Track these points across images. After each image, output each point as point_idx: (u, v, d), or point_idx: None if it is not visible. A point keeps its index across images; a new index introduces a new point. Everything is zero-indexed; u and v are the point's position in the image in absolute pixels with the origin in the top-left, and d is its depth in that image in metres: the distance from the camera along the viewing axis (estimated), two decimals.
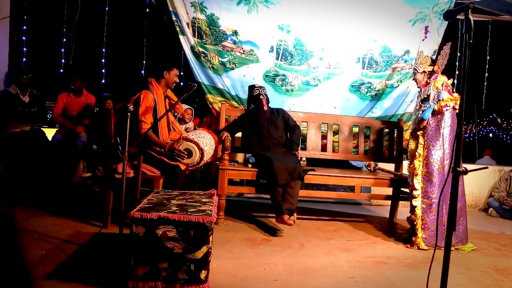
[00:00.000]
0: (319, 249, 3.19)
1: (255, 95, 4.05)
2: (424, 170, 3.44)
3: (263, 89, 4.09)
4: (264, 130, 3.99)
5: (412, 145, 3.60)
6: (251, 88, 4.15)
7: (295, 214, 3.64)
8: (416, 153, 3.49)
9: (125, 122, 2.67)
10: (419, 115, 3.49)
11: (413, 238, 3.40)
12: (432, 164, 3.39)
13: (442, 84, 3.42)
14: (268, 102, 4.07)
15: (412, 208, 3.47)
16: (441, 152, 3.38)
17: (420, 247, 3.33)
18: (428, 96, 3.45)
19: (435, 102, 3.40)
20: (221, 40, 5.00)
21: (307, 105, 5.26)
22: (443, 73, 3.54)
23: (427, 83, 3.52)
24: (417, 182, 3.45)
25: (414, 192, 3.46)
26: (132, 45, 6.19)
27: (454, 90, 3.57)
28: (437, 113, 3.40)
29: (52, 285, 2.16)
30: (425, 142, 3.45)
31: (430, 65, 3.54)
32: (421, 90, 3.58)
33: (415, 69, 3.62)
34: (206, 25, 4.93)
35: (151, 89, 3.47)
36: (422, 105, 3.51)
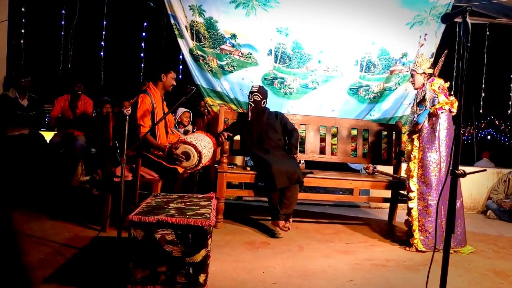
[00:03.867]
0: (318, 251, 3.19)
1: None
2: (420, 172, 3.45)
3: (253, 95, 3.96)
4: (262, 133, 3.99)
5: (408, 147, 3.61)
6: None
7: (290, 220, 3.64)
8: (411, 155, 3.50)
9: (123, 125, 2.67)
10: (414, 119, 3.50)
11: (410, 240, 3.41)
12: (428, 166, 3.40)
13: (439, 87, 3.43)
14: (259, 105, 3.97)
15: (409, 210, 3.48)
16: (436, 155, 3.39)
17: (418, 249, 3.33)
18: (424, 97, 3.46)
19: (431, 106, 3.41)
20: (220, 43, 5.01)
21: (306, 108, 5.27)
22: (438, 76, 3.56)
23: (423, 85, 3.53)
24: (413, 184, 3.46)
25: (410, 194, 3.47)
26: (130, 49, 6.20)
27: (451, 93, 3.58)
28: (433, 116, 3.41)
29: None
30: (420, 145, 3.46)
31: (430, 68, 3.56)
32: (418, 92, 3.59)
33: (413, 70, 3.62)
34: (205, 28, 4.94)
35: (149, 92, 3.47)
36: (418, 108, 3.52)
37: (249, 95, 4.02)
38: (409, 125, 3.64)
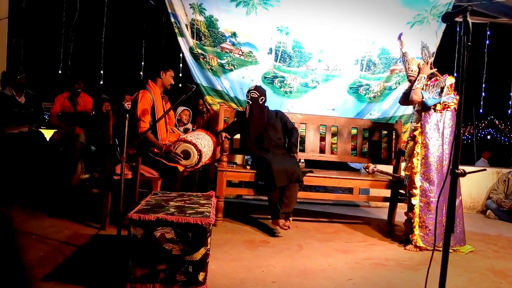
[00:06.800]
0: (318, 250, 3.19)
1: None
2: (423, 169, 3.45)
3: (250, 92, 4.02)
4: (263, 132, 3.99)
5: (410, 144, 3.60)
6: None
7: (290, 218, 3.65)
8: (415, 152, 3.49)
9: (123, 123, 2.67)
10: (427, 99, 3.42)
11: (410, 236, 3.41)
12: (431, 163, 3.40)
13: (451, 85, 3.42)
14: (257, 103, 4.01)
15: (411, 206, 3.47)
16: (440, 152, 3.39)
17: (417, 245, 3.34)
18: (442, 88, 3.42)
19: (448, 101, 3.39)
20: (220, 42, 5.00)
21: (306, 106, 5.26)
22: None
23: (436, 80, 3.50)
24: (416, 181, 3.46)
25: (414, 191, 3.46)
26: (131, 46, 6.20)
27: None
28: (438, 111, 3.40)
29: (50, 287, 2.15)
30: (423, 141, 3.46)
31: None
32: (435, 83, 3.50)
33: (411, 75, 3.61)
34: (205, 26, 4.93)
35: (149, 89, 3.48)
36: (435, 92, 3.45)
37: (247, 94, 4.06)
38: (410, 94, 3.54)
